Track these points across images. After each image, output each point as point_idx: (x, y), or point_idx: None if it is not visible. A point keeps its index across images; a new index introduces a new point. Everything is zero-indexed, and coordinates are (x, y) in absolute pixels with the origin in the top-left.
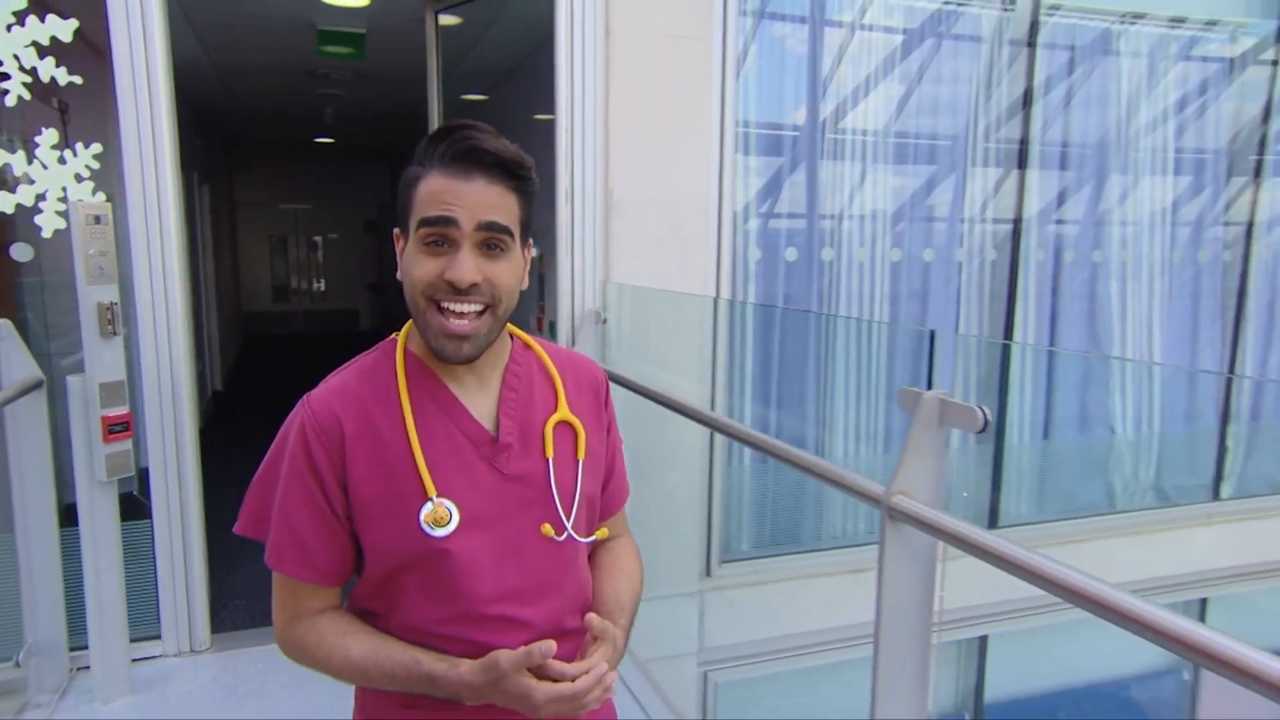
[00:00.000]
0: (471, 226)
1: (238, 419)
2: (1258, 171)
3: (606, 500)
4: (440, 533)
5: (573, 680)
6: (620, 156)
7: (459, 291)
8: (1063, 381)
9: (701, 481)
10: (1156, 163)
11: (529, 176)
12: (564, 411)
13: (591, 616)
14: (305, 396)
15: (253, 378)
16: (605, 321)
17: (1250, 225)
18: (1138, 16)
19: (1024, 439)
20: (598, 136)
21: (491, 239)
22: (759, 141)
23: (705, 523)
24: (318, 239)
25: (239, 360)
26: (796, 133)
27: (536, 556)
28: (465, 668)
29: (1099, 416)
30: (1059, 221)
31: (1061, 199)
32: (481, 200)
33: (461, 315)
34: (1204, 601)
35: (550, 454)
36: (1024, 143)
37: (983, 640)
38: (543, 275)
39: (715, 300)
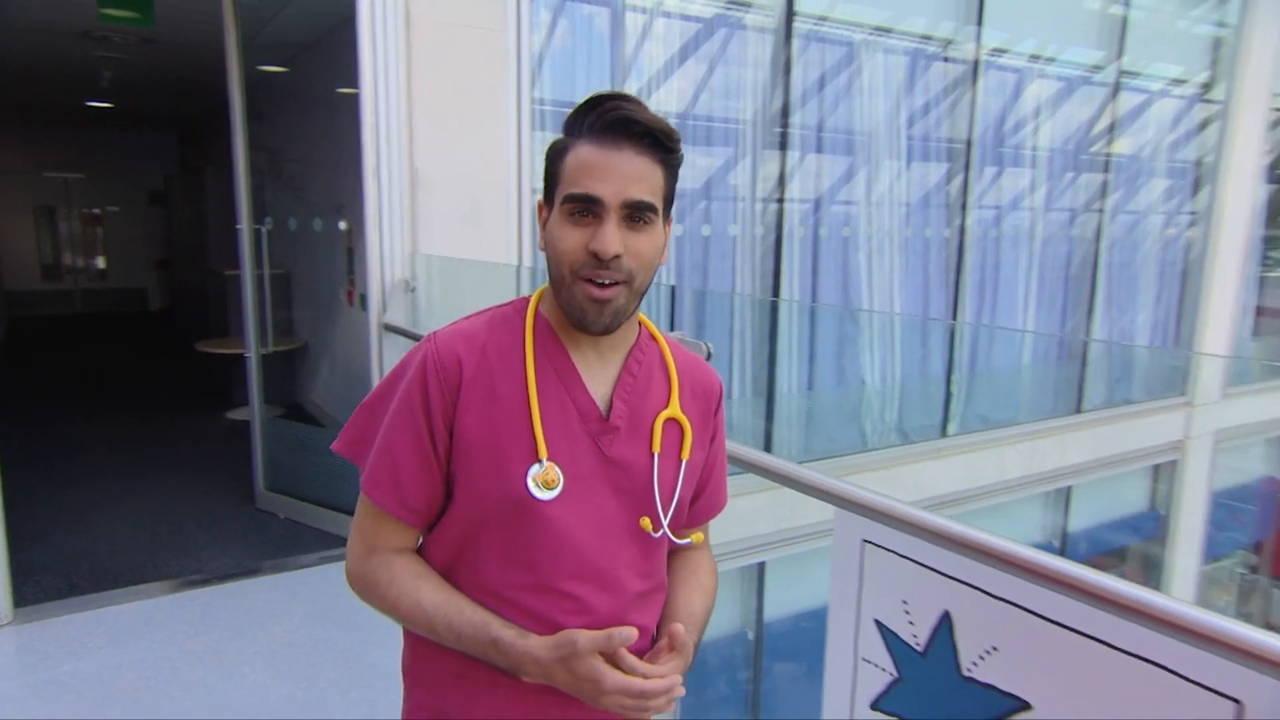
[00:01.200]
0: (617, 203)
1: (7, 402)
2: (966, 162)
3: (699, 508)
4: (546, 495)
5: (644, 678)
6: (425, 136)
7: (602, 263)
8: (822, 342)
9: None
10: (896, 152)
11: (676, 149)
12: (675, 409)
13: (677, 626)
14: (431, 334)
15: (20, 360)
16: (414, 290)
17: (964, 206)
18: (885, 30)
19: (791, 391)
20: (401, 117)
21: (638, 213)
22: (560, 120)
23: None
24: (96, 211)
25: (4, 342)
26: None
27: (624, 545)
28: (536, 641)
29: (852, 371)
30: (818, 202)
31: (826, 182)
32: (629, 172)
33: (607, 289)
34: None
35: (657, 448)
36: (784, 131)
37: (761, 566)
38: (351, 248)
39: (519, 269)
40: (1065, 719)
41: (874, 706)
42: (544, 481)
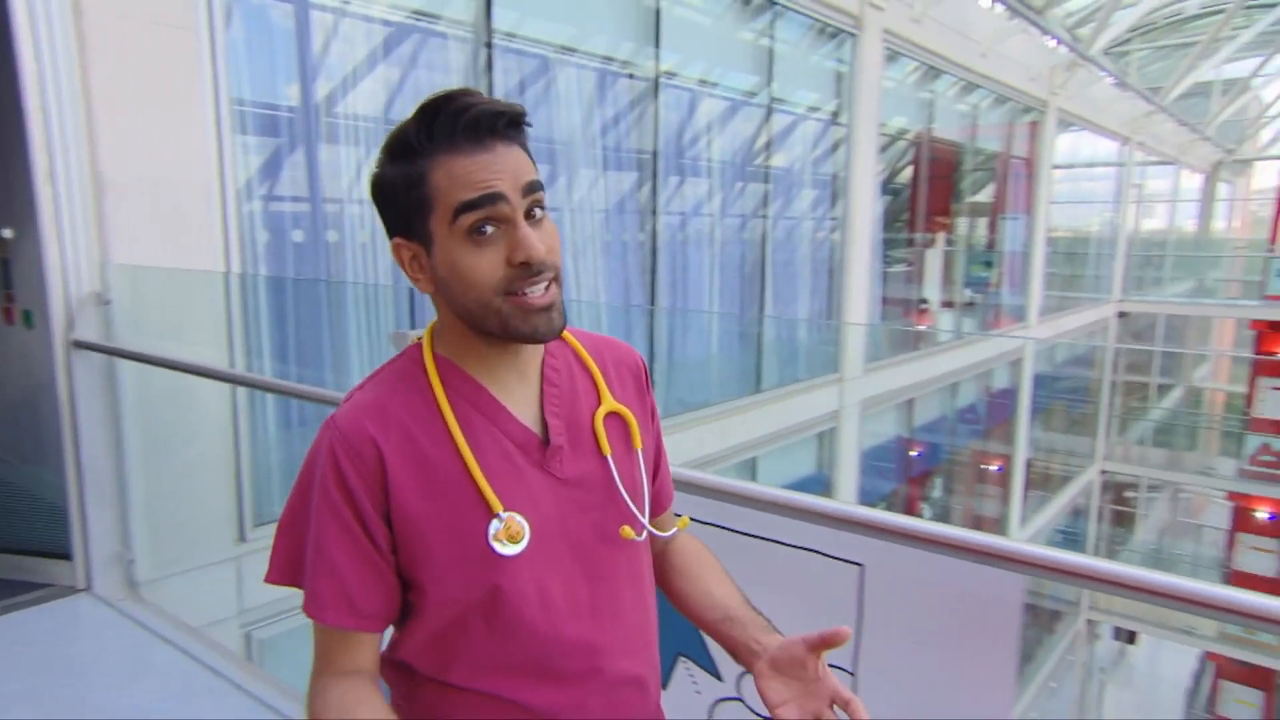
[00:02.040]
0: (519, 194)
1: None
2: (653, 172)
3: (656, 494)
4: (514, 550)
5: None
6: (110, 138)
7: (533, 272)
8: None
9: (228, 450)
10: (592, 161)
11: (527, 126)
12: (610, 402)
13: (837, 631)
14: (329, 418)
15: None
16: (109, 303)
17: (654, 212)
18: (570, 49)
19: None
20: (78, 117)
21: (534, 203)
22: (257, 123)
23: (235, 490)
24: None
25: None
26: (292, 114)
27: (606, 566)
28: None
29: None
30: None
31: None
32: (512, 164)
33: (546, 295)
34: None
35: (608, 451)
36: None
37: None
38: (7, 259)
39: (227, 276)
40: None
41: None
42: (508, 536)
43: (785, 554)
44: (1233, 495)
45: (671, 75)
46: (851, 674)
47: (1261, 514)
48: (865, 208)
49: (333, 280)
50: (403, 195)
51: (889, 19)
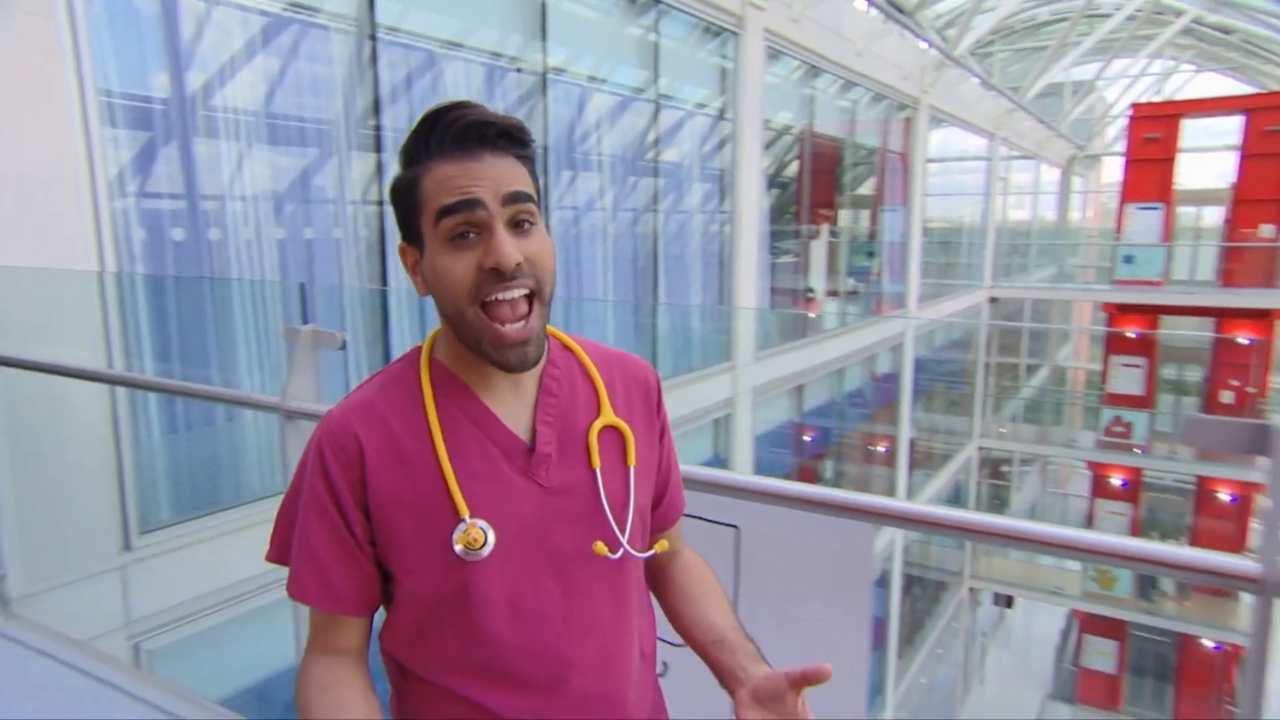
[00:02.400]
0: (498, 202)
1: None
2: (545, 167)
3: (662, 513)
4: (474, 557)
5: None
6: None
7: (504, 278)
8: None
9: (108, 456)
10: None
11: (530, 142)
12: (608, 415)
13: (809, 670)
14: (325, 415)
15: None
16: None
17: (546, 207)
18: (456, 44)
19: None
20: None
21: (520, 213)
22: (127, 115)
23: (118, 496)
24: None
25: None
26: (165, 106)
27: (586, 580)
28: None
29: None
30: None
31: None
32: (498, 174)
33: (515, 313)
34: None
35: (597, 463)
36: (379, 130)
37: None
38: None
39: (101, 275)
40: None
41: None
42: (467, 543)
43: None
44: (1092, 464)
45: (560, 70)
46: None
47: (1115, 480)
48: (752, 201)
49: (217, 278)
50: (403, 199)
51: (769, 18)
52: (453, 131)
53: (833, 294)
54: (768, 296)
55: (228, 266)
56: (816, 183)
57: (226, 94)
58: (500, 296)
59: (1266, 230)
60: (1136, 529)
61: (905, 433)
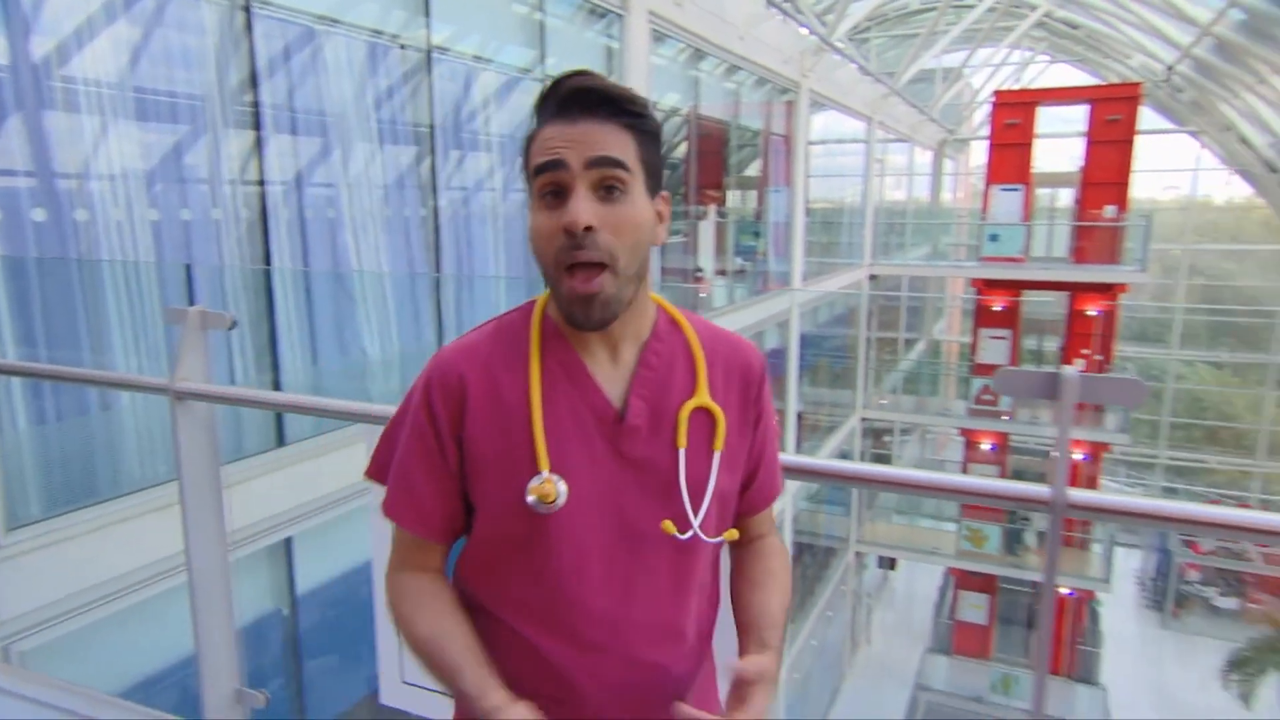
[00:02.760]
0: (581, 165)
1: None
2: (432, 147)
3: (752, 496)
4: (545, 509)
5: None
6: None
7: (576, 241)
8: (320, 315)
9: None
10: (368, 135)
11: (643, 114)
12: (703, 397)
13: (742, 671)
14: (437, 351)
15: None
16: None
17: (435, 188)
18: (335, 20)
19: (296, 364)
20: None
21: (606, 178)
22: None
23: None
24: None
25: None
26: (7, 75)
27: (651, 554)
28: (498, 699)
29: (354, 342)
30: (301, 185)
31: (303, 163)
32: (591, 138)
33: (588, 273)
34: None
35: (683, 443)
36: (258, 107)
37: (288, 541)
38: None
39: None
40: None
41: None
42: (540, 495)
43: None
44: (964, 431)
45: (445, 49)
46: None
47: (985, 445)
48: None
49: (87, 259)
50: (523, 157)
51: (653, 2)
52: (559, 97)
53: (721, 273)
54: (659, 276)
55: (97, 248)
56: (703, 164)
57: (82, 63)
58: (574, 261)
59: (1110, 211)
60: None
61: (793, 406)
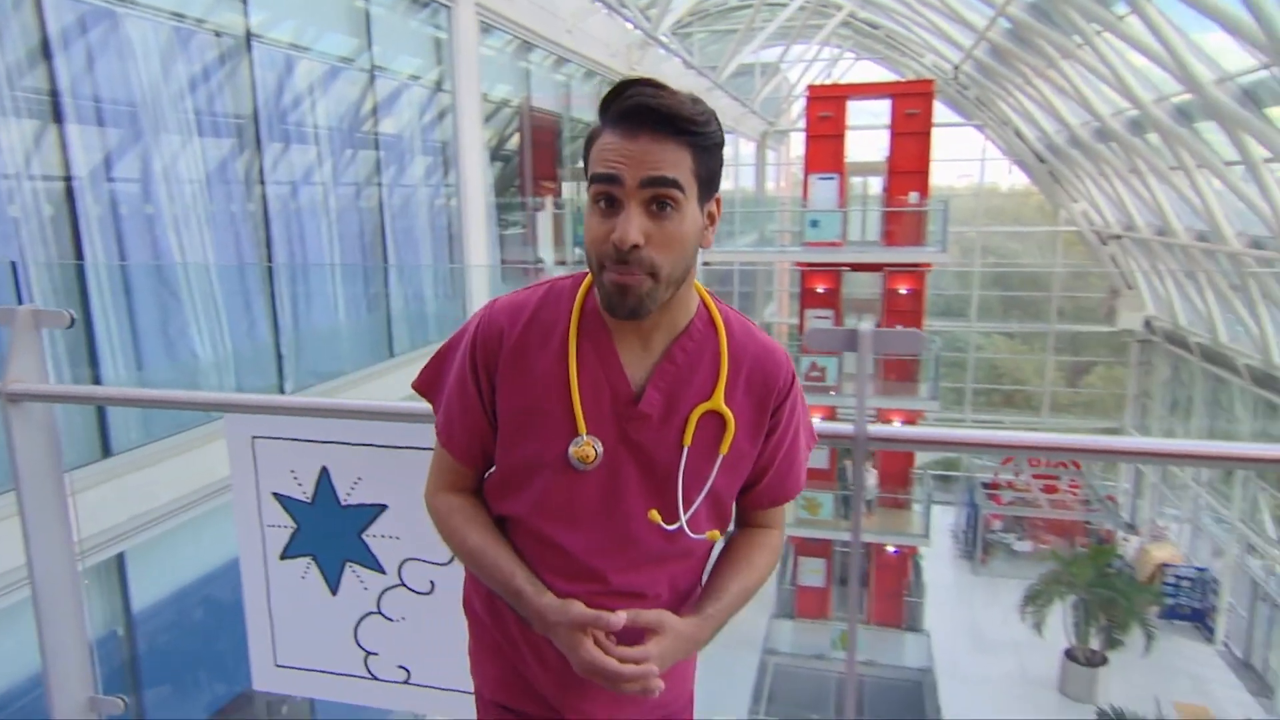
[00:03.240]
0: (635, 183)
1: None
2: (256, 139)
3: (756, 495)
4: (582, 468)
5: (619, 660)
6: None
7: (621, 256)
8: (143, 319)
9: None
10: (182, 127)
11: (704, 130)
12: (717, 402)
13: (654, 617)
14: (491, 300)
15: None
16: None
17: (261, 181)
18: (135, 2)
19: (119, 369)
20: None
21: (659, 195)
22: None
23: None
24: None
25: None
26: None
27: (643, 533)
28: (547, 600)
29: (184, 346)
30: (112, 179)
31: (111, 156)
32: (648, 157)
33: (624, 276)
34: None
35: (688, 441)
36: (56, 96)
37: (120, 557)
38: None
39: None
40: (413, 510)
41: (283, 557)
42: (580, 456)
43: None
44: None
45: (260, 35)
46: None
47: (815, 418)
48: (477, 174)
49: None
50: (585, 151)
51: None
52: (622, 107)
53: (561, 263)
54: (499, 268)
55: None
56: (538, 155)
57: None
58: (613, 274)
59: (913, 197)
60: (834, 455)
61: None
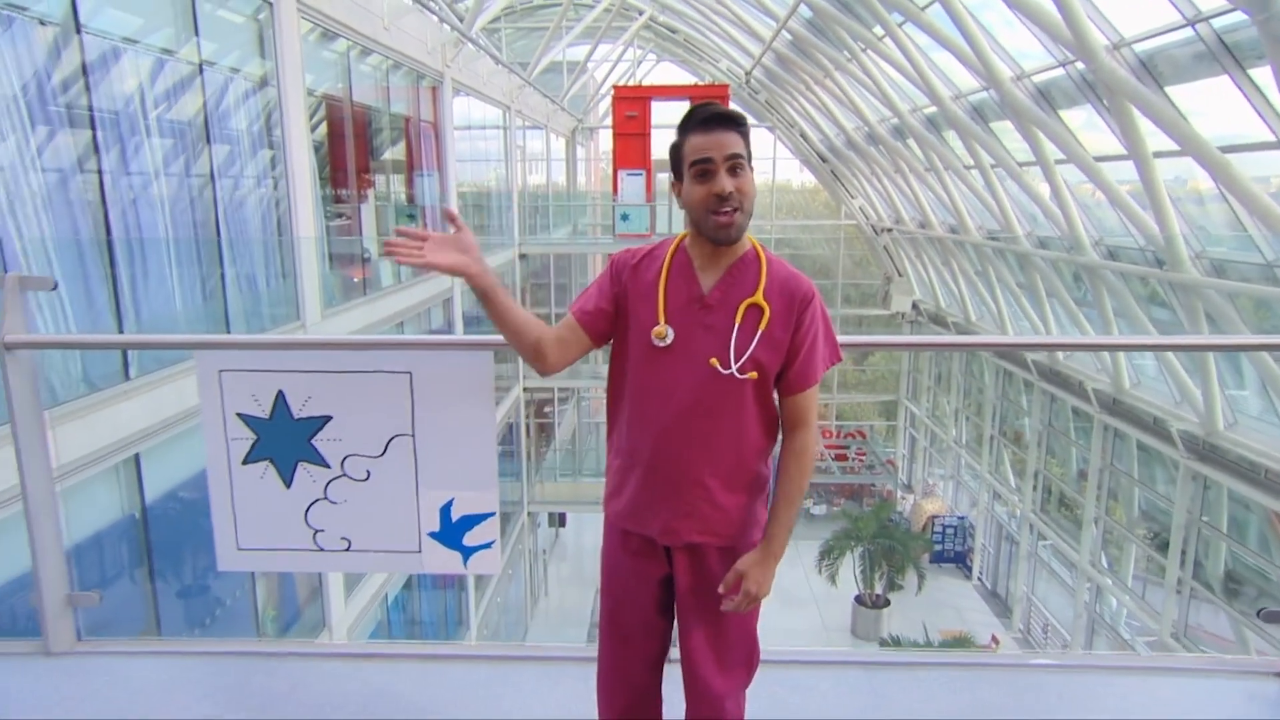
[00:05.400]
0: (722, 158)
1: None
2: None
3: (791, 378)
4: (660, 343)
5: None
6: None
7: (723, 200)
8: None
9: None
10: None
11: (745, 123)
12: (758, 297)
13: (727, 579)
14: (625, 249)
15: None
16: None
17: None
18: None
19: None
20: None
21: (734, 164)
22: None
23: None
24: None
25: None
26: None
27: (711, 383)
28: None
29: None
30: None
31: None
32: (724, 142)
33: (728, 212)
34: None
35: (738, 319)
36: None
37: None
38: None
39: None
40: (352, 417)
41: (245, 462)
42: (658, 335)
43: (361, 378)
44: None
45: (83, 26)
46: (412, 435)
47: None
48: (303, 168)
49: None
50: (674, 157)
51: None
52: (701, 119)
53: (387, 255)
54: (326, 261)
55: None
56: (359, 149)
57: None
58: (719, 211)
59: None
60: None
61: None
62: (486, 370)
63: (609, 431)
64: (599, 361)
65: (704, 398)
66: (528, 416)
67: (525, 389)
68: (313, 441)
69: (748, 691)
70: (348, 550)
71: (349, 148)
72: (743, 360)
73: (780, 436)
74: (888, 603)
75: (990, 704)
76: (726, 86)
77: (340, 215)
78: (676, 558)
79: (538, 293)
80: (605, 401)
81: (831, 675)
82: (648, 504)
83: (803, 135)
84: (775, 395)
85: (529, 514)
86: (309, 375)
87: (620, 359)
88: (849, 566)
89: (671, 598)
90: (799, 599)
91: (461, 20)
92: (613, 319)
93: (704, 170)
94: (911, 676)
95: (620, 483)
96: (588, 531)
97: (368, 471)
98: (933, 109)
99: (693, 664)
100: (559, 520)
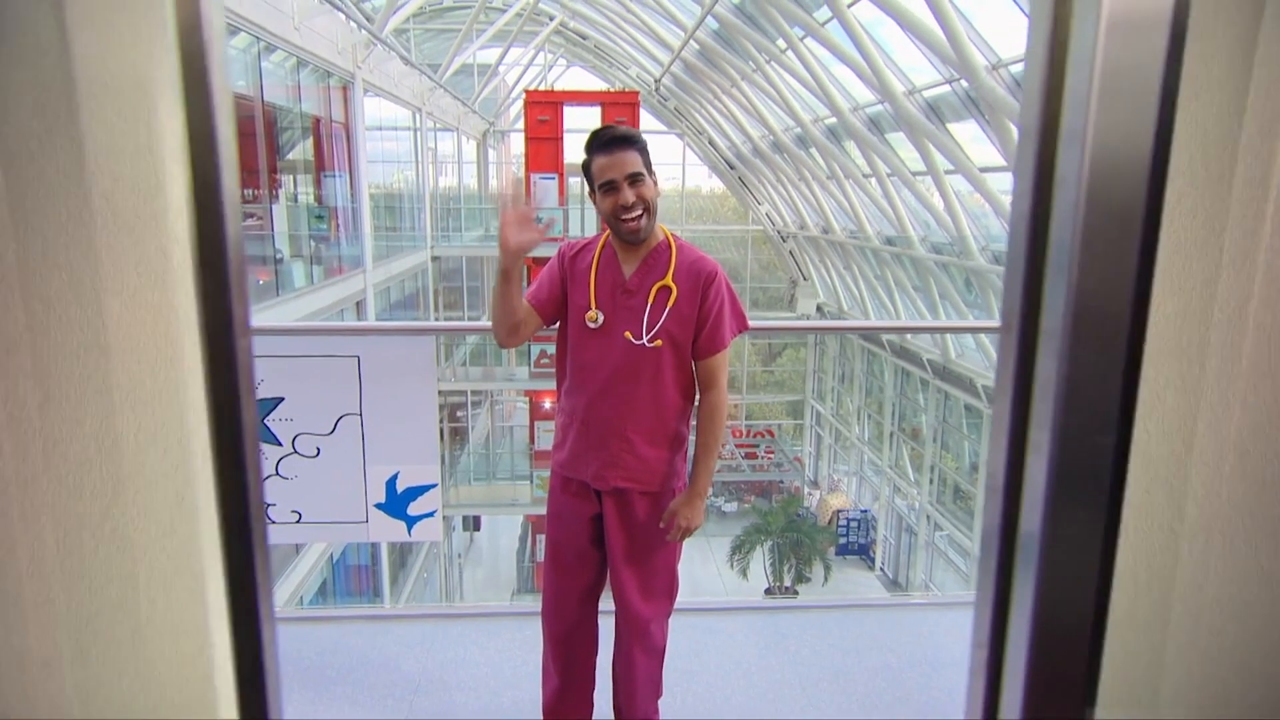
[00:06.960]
0: (623, 176)
1: None
2: None
3: (701, 344)
4: (592, 325)
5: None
6: None
7: (628, 209)
8: None
9: None
10: None
11: (641, 140)
12: (667, 280)
13: (663, 519)
14: (568, 242)
15: None
16: None
17: None
18: None
19: None
20: None
21: (632, 178)
22: None
23: None
24: None
25: None
26: None
27: (634, 353)
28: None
29: None
30: None
31: None
32: (624, 161)
33: (634, 219)
34: None
35: (650, 299)
36: None
37: None
38: None
39: None
40: (304, 398)
41: None
42: (590, 318)
43: (312, 362)
44: (529, 393)
45: None
46: (360, 414)
47: (546, 403)
48: None
49: None
50: (585, 171)
51: None
52: (603, 142)
53: (298, 257)
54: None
55: None
56: (268, 150)
57: None
58: (625, 217)
59: None
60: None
61: None
62: (429, 354)
63: (556, 393)
64: (512, 364)
65: (623, 366)
66: (440, 420)
67: (439, 392)
68: (266, 421)
69: (672, 635)
70: (298, 523)
71: (258, 149)
72: (653, 333)
73: (698, 398)
74: (796, 594)
75: (865, 635)
76: (637, 93)
77: (251, 215)
78: (606, 501)
79: (450, 295)
80: (554, 368)
81: (741, 620)
82: (583, 454)
83: (711, 142)
84: (693, 364)
85: (443, 516)
86: (263, 360)
87: (563, 335)
88: (759, 560)
89: (602, 533)
90: (712, 592)
91: (372, 21)
92: (560, 303)
93: (610, 186)
94: (806, 617)
95: (563, 437)
96: (503, 535)
97: (318, 449)
98: (833, 119)
99: (621, 591)
100: (473, 524)
